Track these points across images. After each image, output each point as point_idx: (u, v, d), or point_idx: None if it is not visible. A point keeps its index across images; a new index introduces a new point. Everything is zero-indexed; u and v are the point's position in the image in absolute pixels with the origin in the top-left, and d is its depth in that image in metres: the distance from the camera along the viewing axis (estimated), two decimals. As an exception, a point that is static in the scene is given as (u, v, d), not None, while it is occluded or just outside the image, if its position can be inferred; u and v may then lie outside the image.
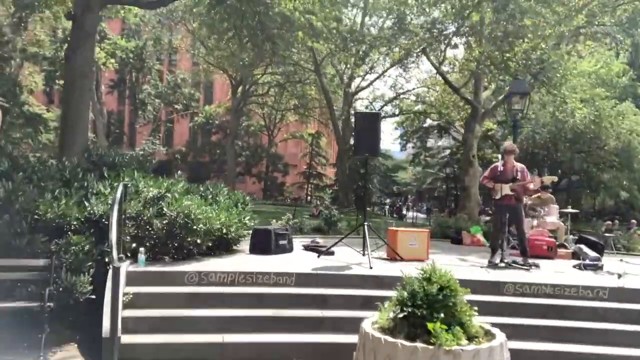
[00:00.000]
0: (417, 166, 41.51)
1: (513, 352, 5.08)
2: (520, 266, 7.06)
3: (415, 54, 18.77)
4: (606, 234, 11.94)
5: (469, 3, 14.43)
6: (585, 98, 14.81)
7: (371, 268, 6.28)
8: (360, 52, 21.12)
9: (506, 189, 7.36)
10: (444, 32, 16.40)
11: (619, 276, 5.96)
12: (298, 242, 8.79)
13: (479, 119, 18.55)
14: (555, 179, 7.54)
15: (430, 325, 3.58)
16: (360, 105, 37.66)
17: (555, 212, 9.83)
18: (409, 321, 3.77)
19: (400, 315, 3.81)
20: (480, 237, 11.07)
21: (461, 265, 7.25)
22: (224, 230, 6.66)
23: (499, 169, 7.48)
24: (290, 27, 18.65)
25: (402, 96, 31.76)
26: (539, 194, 10.39)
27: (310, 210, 19.43)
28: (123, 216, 5.73)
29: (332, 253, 7.53)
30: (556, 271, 7.04)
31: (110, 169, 6.74)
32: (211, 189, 7.62)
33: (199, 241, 6.22)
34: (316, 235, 10.87)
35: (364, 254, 6.81)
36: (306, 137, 44.36)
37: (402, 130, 37.44)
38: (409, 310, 3.78)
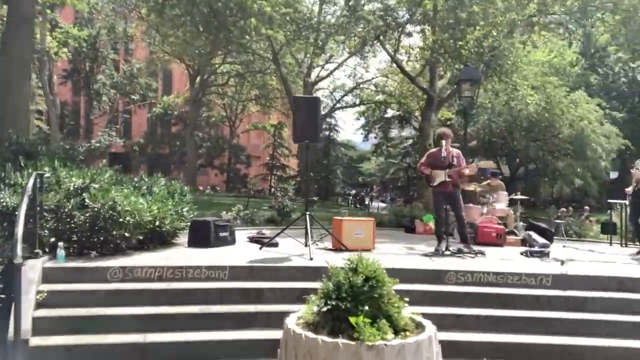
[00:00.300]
0: (380, 156, 41.56)
1: (453, 343, 4.93)
2: (465, 254, 6.92)
3: (371, 43, 18.55)
4: (557, 221, 12.04)
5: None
6: (537, 85, 14.91)
7: (311, 259, 6.00)
8: (317, 41, 20.79)
9: (443, 176, 7.21)
10: (398, 20, 16.22)
11: (562, 263, 5.86)
12: (246, 233, 8.47)
13: (434, 108, 18.53)
14: (492, 164, 7.43)
15: (352, 319, 3.33)
16: (321, 96, 37.45)
17: (504, 199, 9.79)
18: (333, 315, 3.50)
19: (324, 309, 3.54)
20: (432, 225, 10.94)
21: (407, 254, 7.08)
22: (157, 223, 6.26)
23: (435, 155, 7.34)
24: (244, 14, 18.16)
25: (362, 86, 31.58)
26: (489, 180, 10.36)
27: (270, 202, 19.06)
28: (39, 208, 5.29)
29: (276, 245, 7.24)
30: (502, 258, 6.94)
31: (29, 158, 6.23)
32: (146, 180, 7.19)
33: (127, 235, 5.81)
34: (267, 227, 10.56)
35: (306, 245, 6.53)
36: (268, 128, 43.79)
37: (364, 121, 37.30)
38: (333, 303, 3.51)
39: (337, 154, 38.05)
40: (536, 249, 7.03)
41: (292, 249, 6.86)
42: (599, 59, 29.59)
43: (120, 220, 5.67)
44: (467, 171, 7.43)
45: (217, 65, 35.71)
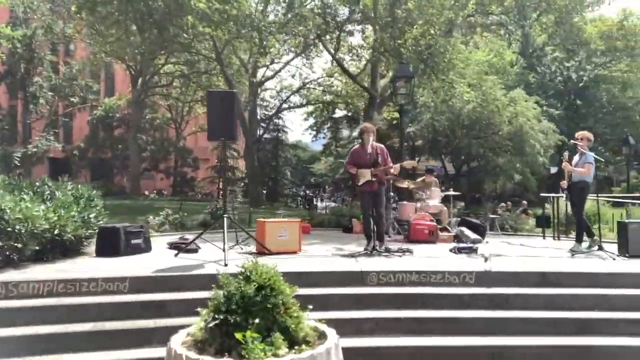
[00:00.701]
0: (329, 156, 41.39)
1: (372, 350, 4.66)
2: (393, 253, 6.69)
3: (312, 42, 18.28)
4: (492, 216, 12.08)
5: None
6: (473, 83, 15.05)
7: (226, 265, 5.60)
8: (258, 40, 20.38)
9: (368, 175, 6.99)
10: (337, 19, 16.02)
11: (485, 259, 5.70)
12: (168, 239, 7.95)
13: (377, 107, 18.45)
14: (415, 163, 7.29)
15: (238, 335, 2.96)
16: (269, 97, 37.04)
17: (437, 196, 9.69)
18: (222, 330, 3.12)
19: (212, 324, 3.17)
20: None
21: (333, 255, 6.77)
22: (57, 232, 5.70)
23: (359, 153, 7.11)
24: (180, 11, 17.50)
25: (308, 86, 31.34)
26: (424, 177, 10.24)
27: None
28: None
29: (196, 250, 6.79)
30: (430, 256, 6.75)
31: None
32: (50, 184, 6.58)
33: (18, 245, 5.24)
34: (194, 232, 10.06)
35: (224, 250, 6.12)
36: (216, 130, 42.81)
37: (312, 121, 37.05)
38: (222, 317, 3.14)
39: (286, 155, 37.59)
40: (464, 245, 6.88)
41: (211, 254, 6.43)
42: (536, 58, 30.48)
43: (9, 229, 5.09)
44: (395, 171, 7.20)
45: (160, 66, 34.67)
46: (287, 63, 29.70)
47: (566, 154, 8.07)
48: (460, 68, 14.05)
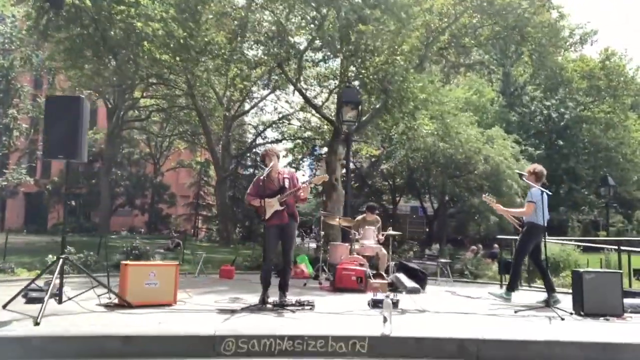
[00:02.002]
0: (310, 194, 40.26)
1: None
2: (287, 307, 5.35)
3: (273, 69, 17.30)
4: (443, 260, 10.73)
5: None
6: (435, 115, 14.01)
7: (37, 324, 4.24)
8: (222, 68, 19.47)
9: (275, 204, 5.74)
10: (297, 46, 15.09)
11: (385, 319, 4.35)
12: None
13: (341, 140, 17.34)
14: (327, 177, 5.96)
15: None
16: (247, 131, 36.11)
17: (372, 235, 8.32)
18: None
19: None
20: (304, 267, 9.43)
21: (209, 312, 5.34)
22: None
23: (261, 181, 5.86)
24: (135, 36, 16.55)
25: (284, 121, 30.40)
26: (365, 215, 8.96)
27: (166, 244, 17.09)
28: None
29: (40, 300, 5.40)
30: (335, 312, 5.41)
31: None
32: None
33: None
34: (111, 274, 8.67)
35: (59, 301, 4.78)
36: (195, 166, 41.71)
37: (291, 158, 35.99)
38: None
39: (264, 192, 36.26)
40: (380, 297, 5.53)
41: (52, 307, 5.08)
42: (517, 97, 29.85)
43: None
44: (302, 193, 5.91)
45: (136, 99, 33.88)
46: (263, 98, 28.94)
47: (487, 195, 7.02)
48: (422, 100, 12.99)
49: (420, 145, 18.51)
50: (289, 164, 37.13)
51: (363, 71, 14.92)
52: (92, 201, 41.81)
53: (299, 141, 33.17)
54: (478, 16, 17.40)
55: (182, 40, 16.05)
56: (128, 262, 5.70)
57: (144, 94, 33.78)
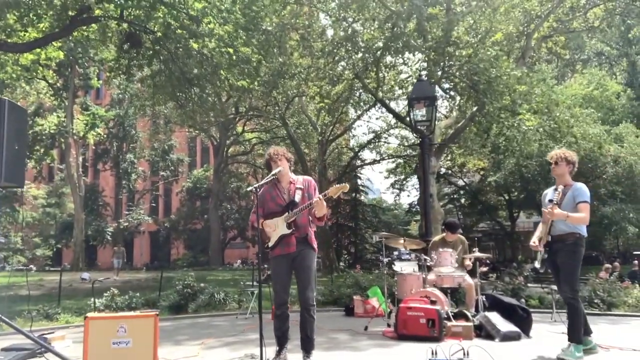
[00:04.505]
0: (416, 216, 37.88)
1: None
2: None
3: (352, 82, 15.99)
4: (546, 288, 8.33)
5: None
6: (540, 108, 11.52)
7: None
8: (299, 89, 18.65)
9: (280, 226, 4.24)
10: (374, 52, 13.62)
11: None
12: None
13: (434, 152, 15.47)
14: (346, 187, 3.96)
15: None
16: (346, 156, 35.11)
17: (449, 260, 6.36)
18: None
19: None
20: (376, 302, 7.72)
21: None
22: None
23: (266, 193, 4.37)
24: (209, 64, 16.25)
25: (382, 141, 28.82)
26: (444, 234, 7.06)
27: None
28: None
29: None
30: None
31: None
32: None
33: None
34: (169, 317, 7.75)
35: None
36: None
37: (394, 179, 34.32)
38: None
39: (366, 216, 34.75)
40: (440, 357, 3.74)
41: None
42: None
43: None
44: (318, 211, 4.13)
45: (239, 134, 34.61)
46: (358, 118, 27.71)
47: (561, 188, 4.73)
48: (522, 93, 10.76)
49: (532, 150, 15.97)
50: (392, 185, 35.39)
51: (447, 68, 13.09)
52: (207, 236, 43.28)
53: (400, 160, 31.42)
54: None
55: (256, 64, 15.40)
56: (92, 313, 4.49)
57: (245, 128, 34.46)
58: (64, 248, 41.51)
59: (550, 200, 4.60)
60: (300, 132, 27.28)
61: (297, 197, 4.27)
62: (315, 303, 4.25)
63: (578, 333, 4.44)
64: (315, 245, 4.40)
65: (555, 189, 4.67)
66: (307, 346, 4.20)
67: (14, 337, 5.71)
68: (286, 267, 4.28)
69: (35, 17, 12.59)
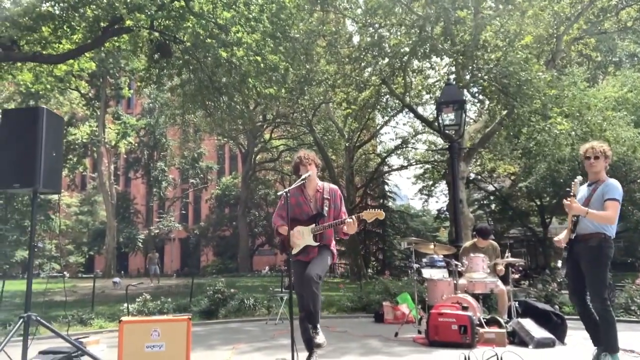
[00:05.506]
0: (445, 222, 37.39)
1: None
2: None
3: (379, 87, 15.94)
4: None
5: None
6: (571, 112, 11.22)
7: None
8: (325, 95, 18.64)
9: (307, 237, 4.22)
10: (401, 57, 13.56)
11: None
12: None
13: (463, 157, 15.28)
14: (382, 215, 3.94)
15: None
16: (373, 162, 34.98)
17: (482, 266, 6.25)
18: None
19: None
20: (406, 309, 7.63)
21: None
22: None
23: (292, 199, 4.28)
24: (237, 72, 16.44)
25: (409, 146, 28.57)
26: (475, 240, 6.96)
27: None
28: None
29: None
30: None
31: None
32: None
33: None
34: (200, 322, 7.83)
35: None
36: (325, 201, 41.47)
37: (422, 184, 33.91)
38: None
39: (394, 223, 34.47)
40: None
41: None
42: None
43: None
44: (349, 229, 4.16)
45: (267, 141, 34.82)
46: (385, 123, 27.55)
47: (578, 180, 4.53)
48: (553, 97, 10.53)
49: (564, 155, 15.60)
50: (419, 191, 35.08)
51: (475, 72, 12.94)
52: (236, 243, 43.63)
53: (428, 166, 31.13)
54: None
55: (283, 72, 15.48)
56: (127, 317, 4.57)
57: (272, 135, 34.68)
58: (96, 255, 42.42)
59: (568, 191, 4.37)
60: (327, 138, 27.24)
61: (325, 209, 4.25)
62: (319, 281, 4.08)
63: (614, 342, 4.26)
64: (334, 249, 4.40)
65: (590, 185, 4.48)
66: (311, 319, 4.08)
67: (49, 341, 5.86)
68: (302, 272, 4.22)
69: (68, 29, 12.93)
